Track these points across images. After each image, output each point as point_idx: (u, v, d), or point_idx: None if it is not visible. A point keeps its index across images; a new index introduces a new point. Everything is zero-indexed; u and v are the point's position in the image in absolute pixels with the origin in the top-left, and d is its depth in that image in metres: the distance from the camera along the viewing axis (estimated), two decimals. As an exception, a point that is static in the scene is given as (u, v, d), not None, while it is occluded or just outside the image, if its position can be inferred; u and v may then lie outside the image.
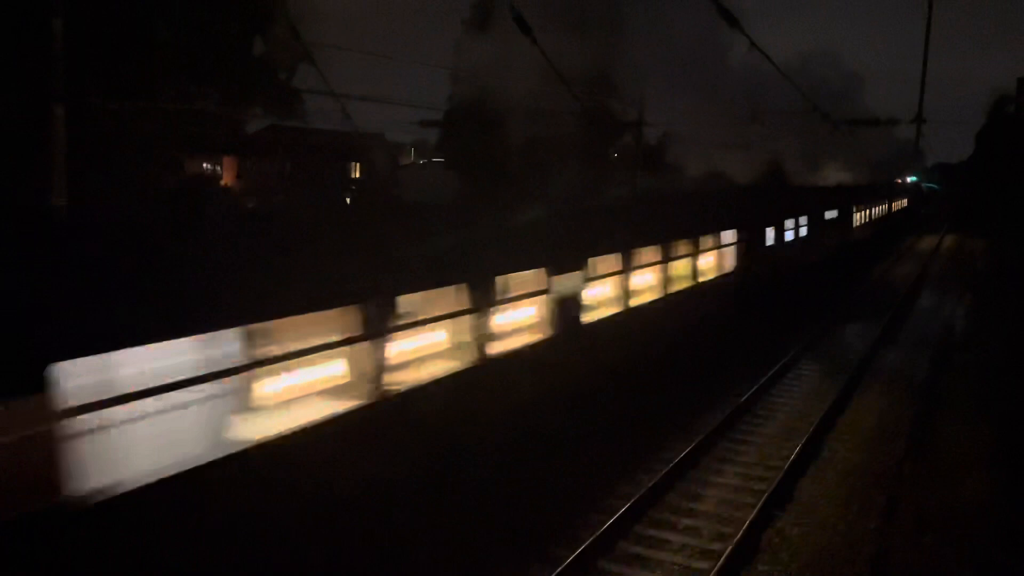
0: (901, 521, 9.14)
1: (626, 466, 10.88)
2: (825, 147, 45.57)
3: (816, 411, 13.55)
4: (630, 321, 12.30)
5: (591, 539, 8.54)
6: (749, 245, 17.87)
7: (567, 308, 10.40)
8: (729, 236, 16.79)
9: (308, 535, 6.67)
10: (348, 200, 48.03)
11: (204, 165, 38.30)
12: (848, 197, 32.23)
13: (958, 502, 9.49)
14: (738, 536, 8.72)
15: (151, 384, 5.41)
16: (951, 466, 10.70)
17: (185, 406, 5.83)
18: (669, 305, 13.80)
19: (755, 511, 9.36)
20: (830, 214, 27.77)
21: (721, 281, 16.46)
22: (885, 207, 43.92)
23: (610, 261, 11.74)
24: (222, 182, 41.24)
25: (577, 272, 10.67)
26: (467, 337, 8.73)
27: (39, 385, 4.76)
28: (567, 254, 10.56)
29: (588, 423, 10.92)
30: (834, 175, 49.21)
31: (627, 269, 12.13)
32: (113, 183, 17.85)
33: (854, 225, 32.86)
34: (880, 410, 14.12)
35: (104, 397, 5.12)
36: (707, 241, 15.65)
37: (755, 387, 14.67)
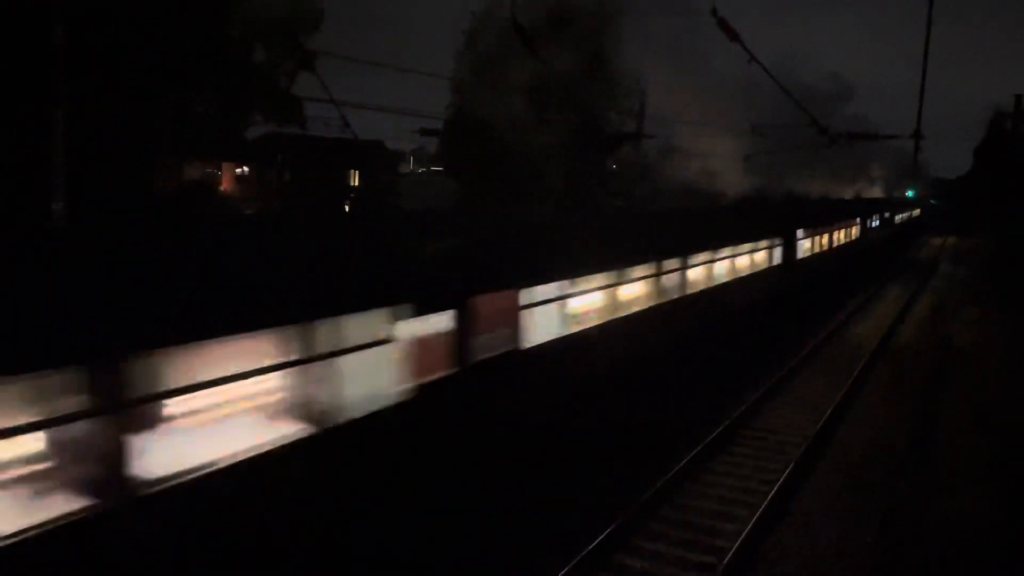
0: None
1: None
2: (825, 160, 45.86)
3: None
4: (835, 252, 30.18)
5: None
6: (864, 226, 37.74)
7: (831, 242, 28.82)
8: (857, 220, 36.39)
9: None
10: (346, 207, 48.06)
11: (205, 170, 38.27)
12: (893, 205, 53.07)
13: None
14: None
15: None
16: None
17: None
18: (843, 248, 32.37)
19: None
20: (887, 215, 47.17)
21: (858, 240, 36.42)
22: (908, 213, 65.36)
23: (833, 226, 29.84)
24: (221, 187, 41.22)
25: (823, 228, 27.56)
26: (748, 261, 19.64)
27: None
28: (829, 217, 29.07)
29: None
30: (823, 187, 50.98)
31: (835, 229, 30.02)
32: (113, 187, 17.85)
33: (896, 222, 53.18)
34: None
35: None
36: (851, 222, 34.45)
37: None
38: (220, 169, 43.51)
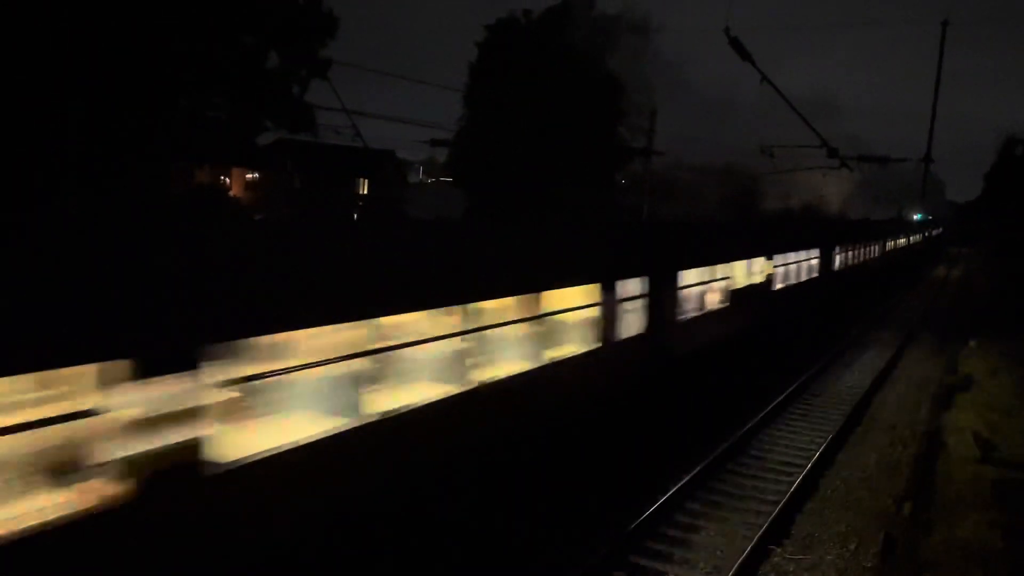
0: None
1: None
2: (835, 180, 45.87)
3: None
4: (919, 245, 65.25)
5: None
6: (924, 236, 70.39)
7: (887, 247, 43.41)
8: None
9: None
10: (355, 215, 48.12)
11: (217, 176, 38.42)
12: (933, 224, 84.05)
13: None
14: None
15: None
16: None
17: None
18: (919, 244, 65.77)
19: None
20: (932, 230, 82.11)
21: (922, 243, 68.20)
22: (938, 231, 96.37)
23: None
24: (230, 192, 41.34)
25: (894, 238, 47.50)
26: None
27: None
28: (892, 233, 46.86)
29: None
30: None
31: (919, 234, 65.97)
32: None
33: (935, 234, 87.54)
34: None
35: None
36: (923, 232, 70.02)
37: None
38: (230, 174, 43.65)
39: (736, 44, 12.82)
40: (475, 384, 7.87)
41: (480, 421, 8.07)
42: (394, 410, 6.88)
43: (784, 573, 8.39)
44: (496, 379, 8.20)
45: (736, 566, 8.12)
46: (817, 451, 12.10)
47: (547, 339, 9.19)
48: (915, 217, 70.85)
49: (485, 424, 8.16)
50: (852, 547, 9.01)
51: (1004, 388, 16.68)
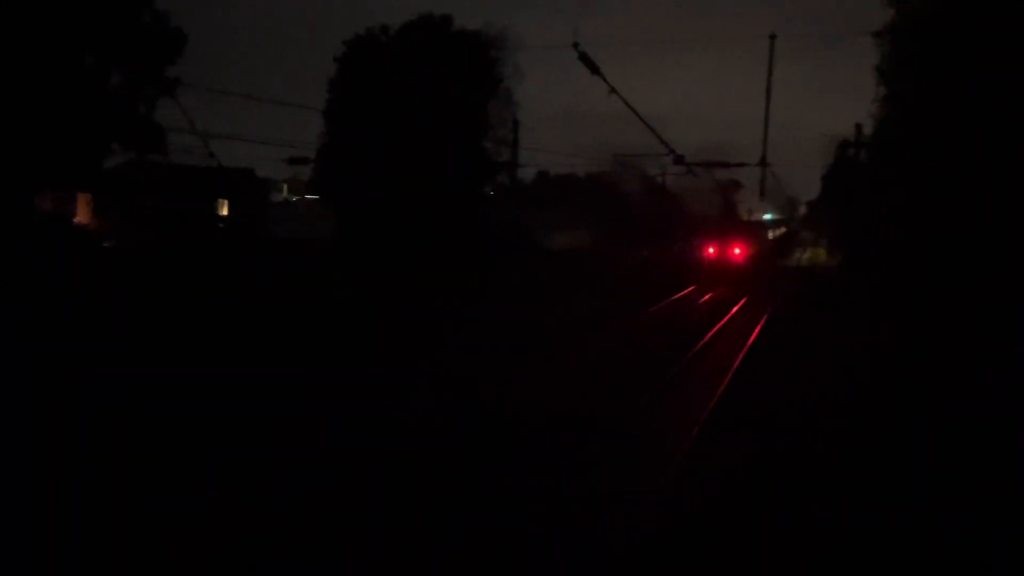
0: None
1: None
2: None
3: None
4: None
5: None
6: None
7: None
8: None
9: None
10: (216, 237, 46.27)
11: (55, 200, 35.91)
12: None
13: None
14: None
15: None
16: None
17: None
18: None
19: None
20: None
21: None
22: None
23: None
24: (76, 219, 38.77)
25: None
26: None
27: None
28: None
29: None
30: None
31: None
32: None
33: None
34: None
35: None
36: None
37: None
38: (75, 199, 40.97)
39: (585, 58, 13.40)
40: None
41: None
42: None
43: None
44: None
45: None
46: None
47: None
48: (765, 216, 75.72)
49: None
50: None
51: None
